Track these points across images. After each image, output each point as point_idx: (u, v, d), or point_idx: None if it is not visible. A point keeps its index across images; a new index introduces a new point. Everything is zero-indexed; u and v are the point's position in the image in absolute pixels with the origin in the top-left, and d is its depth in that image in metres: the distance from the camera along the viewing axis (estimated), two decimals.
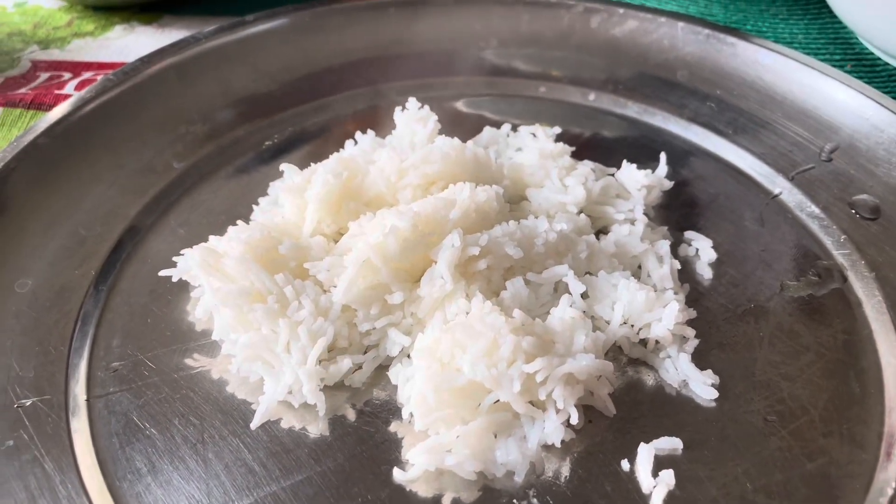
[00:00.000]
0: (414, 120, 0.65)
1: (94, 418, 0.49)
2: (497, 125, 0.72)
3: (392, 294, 0.52)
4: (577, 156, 0.67)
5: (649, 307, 0.52)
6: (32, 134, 0.64)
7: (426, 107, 0.67)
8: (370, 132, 0.69)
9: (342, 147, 0.69)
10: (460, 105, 0.77)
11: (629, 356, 0.53)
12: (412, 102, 0.68)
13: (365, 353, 0.53)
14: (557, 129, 0.69)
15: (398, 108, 0.68)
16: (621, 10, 0.80)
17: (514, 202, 0.63)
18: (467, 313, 0.51)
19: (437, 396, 0.47)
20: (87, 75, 0.84)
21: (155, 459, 0.47)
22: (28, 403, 0.49)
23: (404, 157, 0.59)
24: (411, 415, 0.49)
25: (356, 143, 0.68)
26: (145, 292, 0.58)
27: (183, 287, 0.58)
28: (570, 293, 0.54)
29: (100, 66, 0.86)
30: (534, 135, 0.68)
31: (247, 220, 0.63)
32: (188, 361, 0.53)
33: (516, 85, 0.79)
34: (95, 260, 0.60)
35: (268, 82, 0.77)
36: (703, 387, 0.51)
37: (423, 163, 0.58)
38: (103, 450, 0.48)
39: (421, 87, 0.78)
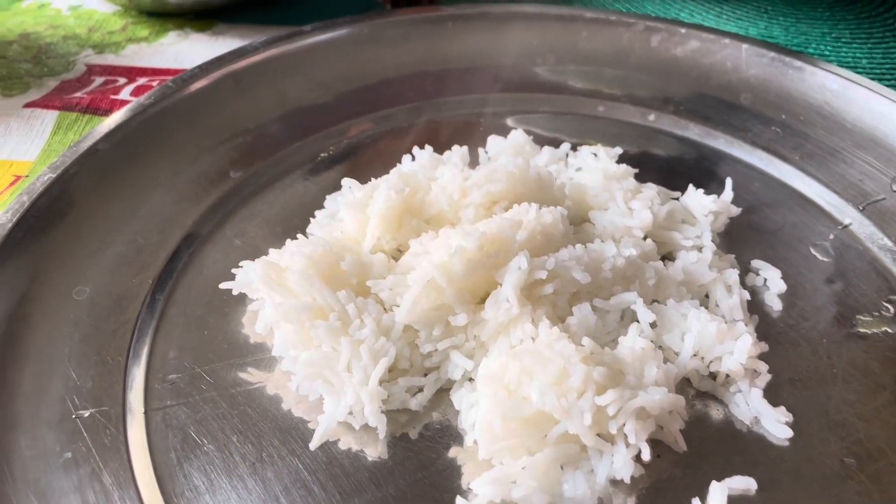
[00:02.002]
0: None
1: (151, 432, 0.49)
2: (554, 143, 0.71)
3: (455, 316, 0.51)
4: (639, 178, 0.65)
5: (720, 339, 0.51)
6: (92, 139, 0.64)
7: (520, 129, 0.67)
8: (428, 147, 0.68)
9: (398, 161, 0.68)
10: (516, 121, 0.76)
11: (698, 389, 0.52)
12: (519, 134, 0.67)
13: (425, 375, 0.52)
14: (619, 150, 0.67)
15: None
16: (683, 30, 0.79)
17: (576, 223, 0.61)
18: (533, 339, 0.49)
19: (504, 425, 0.45)
20: (141, 81, 0.84)
21: (213, 477, 0.46)
22: (86, 415, 0.49)
23: (467, 174, 0.58)
24: (475, 442, 0.47)
25: (413, 158, 0.68)
26: (202, 303, 0.57)
27: (240, 299, 0.57)
28: (638, 321, 0.52)
29: (154, 72, 0.86)
30: (595, 155, 0.66)
31: (303, 232, 0.62)
32: (245, 376, 0.52)
33: (574, 102, 0.77)
34: (153, 269, 0.59)
35: (323, 93, 0.76)
36: (776, 424, 0.49)
37: (486, 181, 0.57)
38: (161, 465, 0.47)
39: (476, 103, 0.78)
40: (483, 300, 0.53)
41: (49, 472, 0.45)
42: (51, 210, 0.59)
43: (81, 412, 0.49)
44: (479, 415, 0.47)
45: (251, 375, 0.52)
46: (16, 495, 0.44)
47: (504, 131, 0.72)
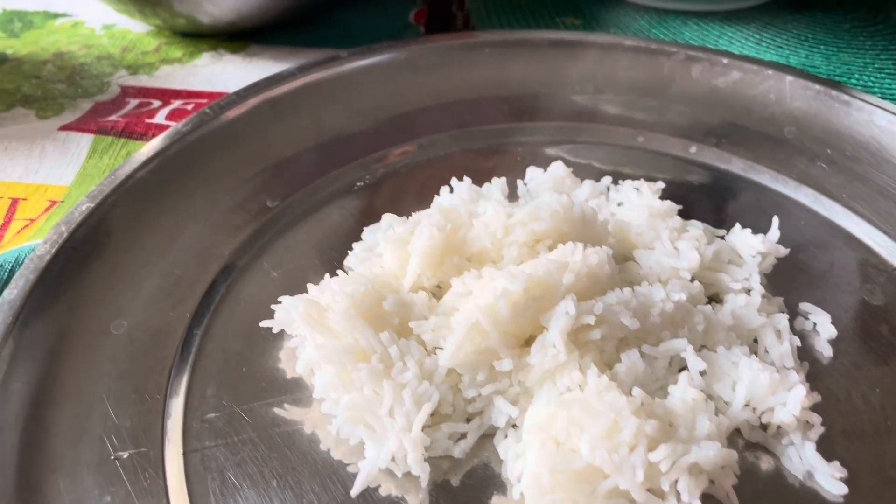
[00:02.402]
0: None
1: (190, 474, 0.48)
2: (593, 173, 0.70)
3: (500, 361, 0.50)
4: (682, 213, 0.64)
5: (773, 390, 0.49)
6: (130, 167, 0.64)
7: (559, 161, 0.66)
8: (466, 179, 0.67)
9: (436, 192, 0.67)
10: (553, 151, 0.74)
11: (748, 440, 0.50)
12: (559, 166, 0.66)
13: (468, 420, 0.51)
14: (661, 185, 0.66)
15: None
16: (725, 60, 0.77)
17: (619, 262, 0.60)
18: (580, 387, 0.48)
19: (552, 478, 0.44)
20: (176, 104, 0.84)
21: None
22: (125, 456, 0.48)
23: (510, 211, 0.57)
24: (521, 494, 0.46)
25: (451, 189, 0.67)
26: (239, 338, 0.57)
27: (278, 334, 0.57)
28: (687, 369, 0.51)
29: (188, 95, 0.86)
30: (637, 189, 0.65)
31: (340, 263, 0.62)
32: (284, 415, 0.52)
33: (612, 132, 0.76)
34: (190, 302, 0.58)
35: (360, 121, 0.75)
36: (830, 480, 0.47)
37: (531, 220, 0.56)
38: None
39: (513, 131, 0.77)
40: (527, 343, 0.52)
41: None
42: (89, 241, 0.58)
43: (120, 453, 0.48)
44: (526, 467, 0.46)
45: (290, 415, 0.52)
46: None
47: (542, 161, 0.71)
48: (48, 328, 0.53)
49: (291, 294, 0.56)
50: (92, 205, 0.60)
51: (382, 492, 0.48)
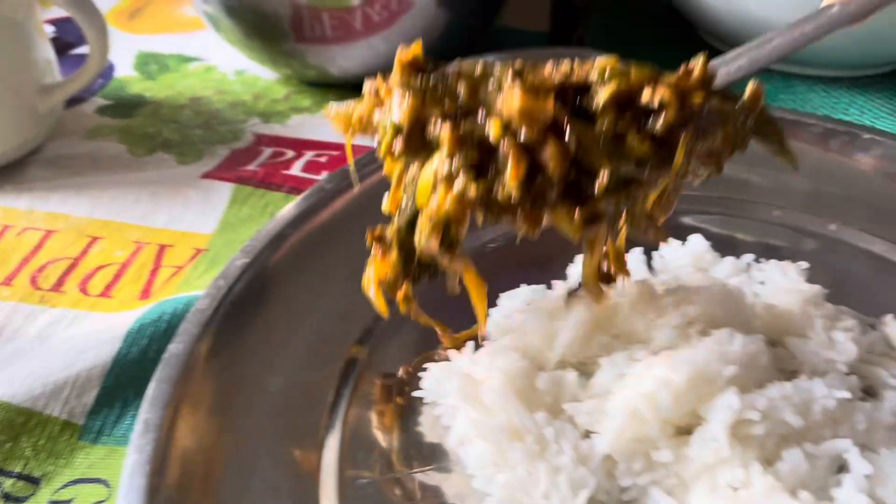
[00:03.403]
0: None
1: None
2: (728, 247, 0.69)
3: (659, 451, 0.49)
4: (828, 298, 0.62)
5: None
6: (278, 224, 0.66)
7: (699, 236, 0.66)
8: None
9: (569, 260, 0.67)
10: (686, 221, 0.74)
11: None
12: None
13: None
14: (805, 264, 0.65)
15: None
16: (866, 135, 0.76)
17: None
18: (742, 484, 0.47)
19: None
20: (309, 155, 0.87)
21: None
22: None
23: (656, 289, 0.57)
24: None
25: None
26: (383, 401, 0.58)
27: (418, 398, 0.58)
28: (847, 470, 0.49)
29: (319, 146, 0.89)
30: (782, 270, 0.64)
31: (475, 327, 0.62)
32: (433, 486, 0.52)
33: (747, 206, 0.75)
34: (338, 361, 0.60)
35: None
36: None
37: (683, 302, 0.56)
38: None
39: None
40: (683, 432, 0.51)
41: None
42: (245, 297, 0.61)
43: None
44: None
45: (440, 486, 0.52)
46: None
47: (676, 231, 0.71)
48: (210, 384, 0.55)
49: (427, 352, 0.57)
50: (247, 260, 0.62)
51: None
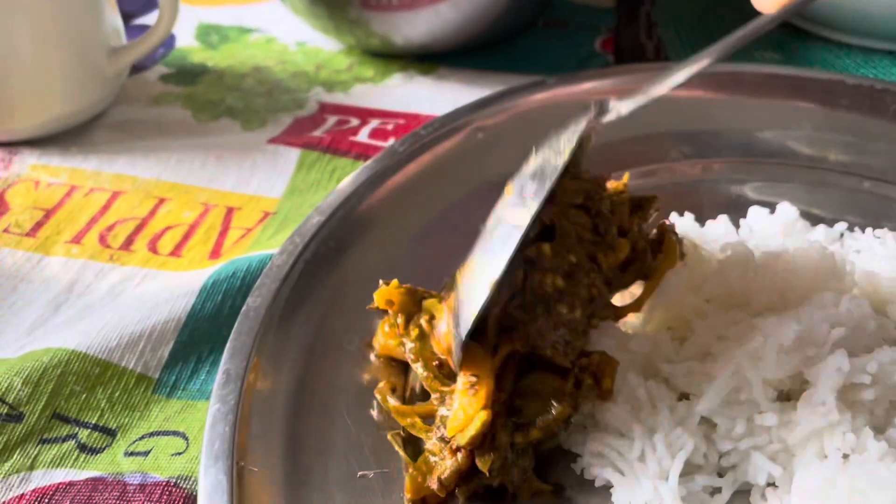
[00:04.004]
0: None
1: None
2: (813, 219, 0.66)
3: (762, 414, 0.47)
4: None
5: None
6: (353, 184, 0.65)
7: (786, 203, 0.63)
8: (688, 214, 0.64)
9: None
10: (769, 191, 0.71)
11: None
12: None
13: (720, 474, 0.48)
14: None
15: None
16: None
17: None
18: (853, 450, 0.45)
19: None
20: (374, 123, 0.85)
21: None
22: (370, 475, 0.48)
23: (755, 253, 0.54)
24: None
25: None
26: None
27: None
28: None
29: (384, 115, 0.87)
30: (879, 238, 0.61)
31: None
32: None
33: (834, 176, 0.72)
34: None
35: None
36: None
37: (783, 266, 0.53)
38: None
39: (723, 169, 0.74)
40: (783, 397, 0.49)
41: None
42: (320, 254, 0.59)
43: (365, 472, 0.48)
44: None
45: None
46: None
47: (762, 200, 0.68)
48: (290, 339, 0.54)
49: None
50: (322, 219, 0.61)
51: None
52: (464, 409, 0.45)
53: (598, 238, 0.52)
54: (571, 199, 0.53)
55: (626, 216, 0.56)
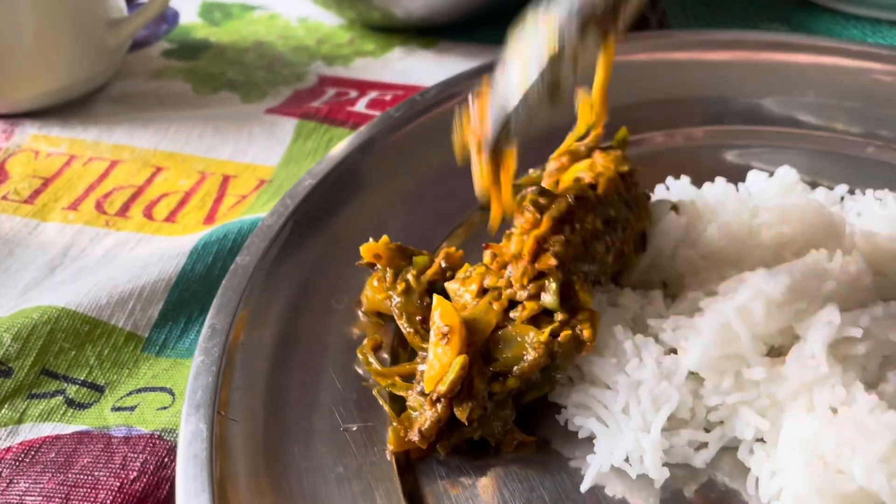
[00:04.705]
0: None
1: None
2: (817, 184, 0.65)
3: (751, 368, 0.46)
4: None
5: None
6: (346, 148, 0.65)
7: (786, 166, 0.62)
8: (684, 178, 0.63)
9: (650, 191, 0.64)
10: (774, 157, 0.70)
11: None
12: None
13: (707, 430, 0.47)
14: None
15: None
16: None
17: None
18: (842, 404, 0.44)
19: (822, 501, 0.40)
20: (372, 94, 0.85)
21: None
22: (354, 429, 0.47)
23: (754, 212, 0.53)
24: None
25: (668, 188, 0.63)
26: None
27: None
28: None
29: (383, 87, 0.87)
30: (880, 200, 0.60)
31: None
32: None
33: (838, 142, 0.71)
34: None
35: (558, 118, 0.73)
36: None
37: (779, 222, 0.52)
38: (427, 491, 0.45)
39: (729, 135, 0.73)
40: (775, 353, 0.48)
41: (324, 485, 0.44)
42: (311, 215, 0.59)
43: (349, 426, 0.47)
44: (786, 486, 0.42)
45: None
46: None
47: (763, 164, 0.67)
48: (277, 297, 0.53)
49: None
50: (314, 181, 0.61)
51: (609, 491, 0.45)
52: (438, 359, 0.45)
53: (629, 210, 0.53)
54: (619, 166, 0.55)
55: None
